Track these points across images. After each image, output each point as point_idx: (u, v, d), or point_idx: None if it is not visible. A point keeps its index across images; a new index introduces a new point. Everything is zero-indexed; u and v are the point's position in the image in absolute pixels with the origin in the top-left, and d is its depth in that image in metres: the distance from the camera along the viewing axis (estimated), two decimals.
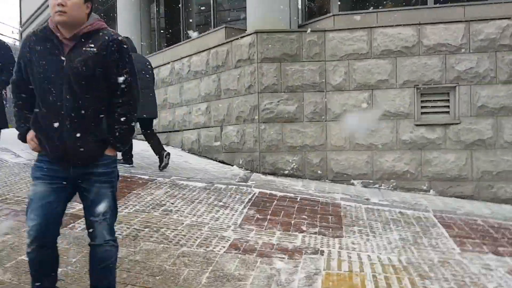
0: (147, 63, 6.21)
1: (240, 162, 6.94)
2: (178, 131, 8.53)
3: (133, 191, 4.88)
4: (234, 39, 6.98)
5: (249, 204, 4.80)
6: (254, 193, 5.22)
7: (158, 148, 6.15)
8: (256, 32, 6.55)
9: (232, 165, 7.06)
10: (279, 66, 6.52)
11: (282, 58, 6.52)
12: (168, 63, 8.71)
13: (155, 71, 9.18)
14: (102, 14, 15.01)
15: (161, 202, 4.61)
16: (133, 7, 10.80)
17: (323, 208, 4.92)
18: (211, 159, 7.56)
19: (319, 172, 6.50)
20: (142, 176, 5.57)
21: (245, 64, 6.77)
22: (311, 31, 6.52)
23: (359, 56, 6.39)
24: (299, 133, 6.52)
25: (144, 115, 5.93)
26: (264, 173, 6.57)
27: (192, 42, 8.47)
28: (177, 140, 8.56)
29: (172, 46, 9.29)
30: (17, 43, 24.64)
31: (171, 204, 4.55)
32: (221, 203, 4.73)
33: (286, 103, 6.52)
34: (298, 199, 5.17)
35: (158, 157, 6.12)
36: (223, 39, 7.40)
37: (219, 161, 7.36)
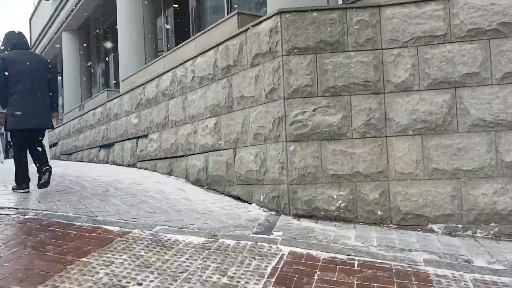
0: (43, 62, 5.24)
1: (261, 199, 4.90)
2: (182, 156, 6.58)
3: (81, 259, 2.92)
4: (249, 27, 5.03)
5: (273, 279, 2.75)
6: (282, 256, 3.18)
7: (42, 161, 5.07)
8: (280, 13, 4.59)
9: (250, 203, 5.03)
10: (314, 59, 4.52)
11: (318, 48, 4.52)
12: (169, 70, 6.84)
13: (155, 81, 7.35)
14: (106, 27, 13.53)
15: (120, 280, 2.62)
16: (138, 19, 9.22)
17: (402, 284, 2.81)
18: (223, 193, 5.56)
19: (379, 213, 4.38)
20: (110, 228, 3.63)
21: (265, 60, 4.80)
22: (360, 7, 4.53)
23: (433, 40, 4.34)
24: (347, 156, 4.45)
25: (32, 125, 5.01)
26: (296, 216, 4.51)
27: (198, 40, 6.58)
28: (181, 168, 6.61)
29: (174, 49, 7.42)
30: None
31: (136, 286, 2.56)
32: (224, 280, 2.70)
33: (325, 112, 4.49)
34: (355, 266, 3.09)
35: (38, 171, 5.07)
36: (235, 30, 5.46)
37: (233, 197, 5.35)
